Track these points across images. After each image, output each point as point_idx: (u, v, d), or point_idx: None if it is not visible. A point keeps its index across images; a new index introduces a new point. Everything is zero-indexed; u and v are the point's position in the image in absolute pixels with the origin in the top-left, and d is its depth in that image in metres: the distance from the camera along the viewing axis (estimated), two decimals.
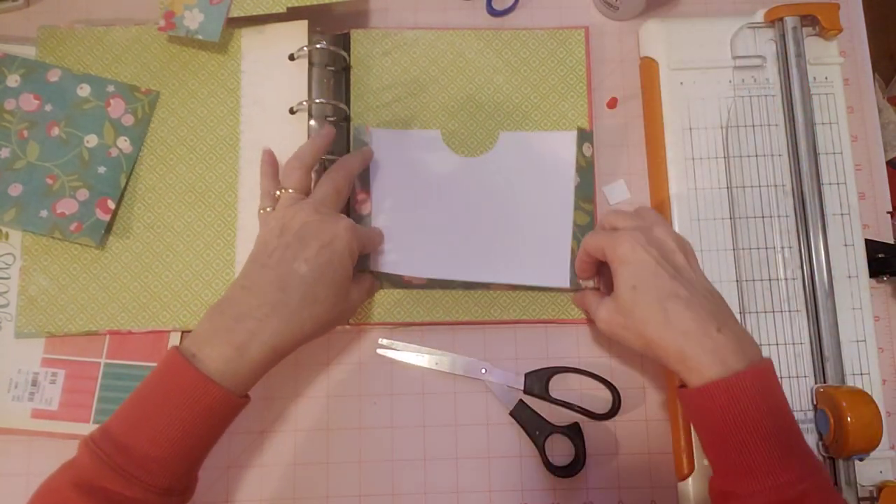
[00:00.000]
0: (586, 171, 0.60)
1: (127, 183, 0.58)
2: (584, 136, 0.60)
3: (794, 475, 0.43)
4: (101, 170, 0.57)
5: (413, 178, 0.60)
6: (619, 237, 0.49)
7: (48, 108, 0.58)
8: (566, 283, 0.57)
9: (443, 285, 0.58)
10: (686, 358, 0.46)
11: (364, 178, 0.59)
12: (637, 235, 0.49)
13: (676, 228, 0.57)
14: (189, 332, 0.57)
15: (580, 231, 0.58)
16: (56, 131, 0.58)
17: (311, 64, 0.59)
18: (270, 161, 0.56)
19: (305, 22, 0.59)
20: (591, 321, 0.58)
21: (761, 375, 0.45)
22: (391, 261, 0.57)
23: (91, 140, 0.58)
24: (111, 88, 0.59)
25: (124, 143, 0.58)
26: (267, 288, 0.47)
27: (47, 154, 0.57)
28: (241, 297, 0.48)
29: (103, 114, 0.58)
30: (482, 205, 0.59)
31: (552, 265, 0.57)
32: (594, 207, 0.60)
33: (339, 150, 0.59)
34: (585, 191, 0.59)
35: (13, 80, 0.58)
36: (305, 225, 0.49)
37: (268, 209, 0.53)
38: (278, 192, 0.53)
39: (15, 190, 0.56)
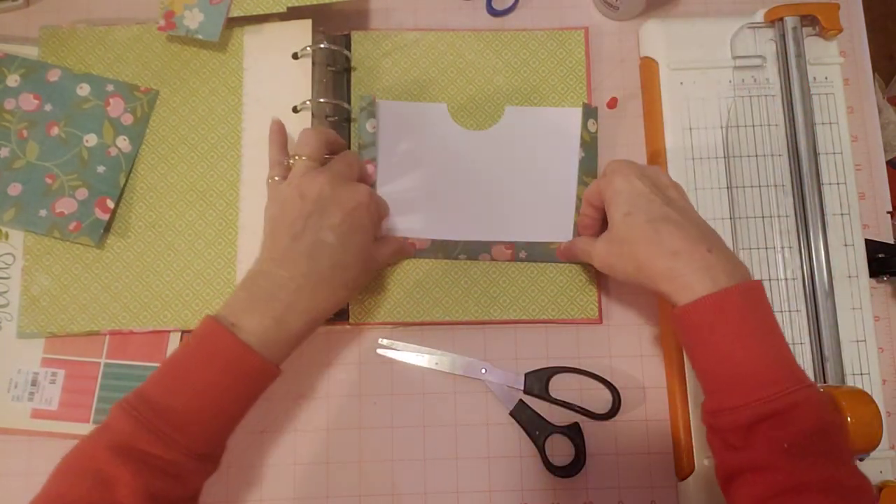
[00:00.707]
0: (590, 147, 0.60)
1: (126, 182, 0.58)
2: (589, 113, 0.60)
3: (782, 387, 0.43)
4: (101, 169, 0.57)
5: (418, 147, 0.60)
6: (612, 173, 0.50)
7: (48, 107, 0.58)
8: (569, 237, 0.58)
9: (445, 251, 0.58)
10: (676, 276, 0.46)
11: (369, 148, 0.59)
12: (631, 169, 0.50)
13: None
14: (189, 332, 0.57)
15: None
16: (55, 131, 0.58)
17: (313, 63, 0.59)
18: (280, 130, 0.56)
19: (309, 21, 0.59)
20: (590, 321, 0.58)
21: (750, 292, 0.45)
22: (394, 224, 0.58)
23: (90, 139, 0.58)
24: (110, 87, 0.59)
25: (123, 143, 0.58)
26: (298, 259, 0.48)
27: (47, 153, 0.57)
28: (274, 269, 0.48)
29: (102, 113, 0.58)
30: (486, 174, 0.60)
31: (555, 224, 0.59)
32: None
33: (342, 150, 0.59)
34: (589, 166, 0.60)
35: (13, 80, 0.58)
36: (325, 193, 0.49)
37: (276, 178, 0.52)
38: (291, 161, 0.52)
39: (14, 189, 0.56)
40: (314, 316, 0.48)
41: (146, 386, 0.45)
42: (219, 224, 0.57)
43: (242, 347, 0.45)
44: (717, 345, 0.45)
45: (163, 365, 0.46)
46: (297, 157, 0.51)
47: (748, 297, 0.45)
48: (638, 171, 0.50)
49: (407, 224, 0.59)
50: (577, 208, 0.59)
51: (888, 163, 0.63)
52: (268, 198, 0.52)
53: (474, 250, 0.58)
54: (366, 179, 0.58)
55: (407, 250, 0.58)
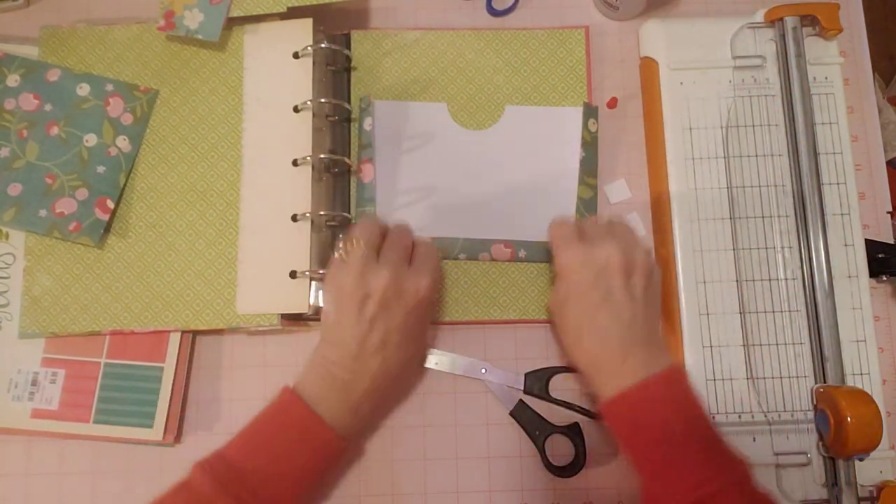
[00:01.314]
0: (591, 147, 0.60)
1: (126, 182, 0.58)
2: (590, 112, 0.60)
3: (709, 472, 0.44)
4: (101, 169, 0.57)
5: (419, 146, 0.60)
6: (565, 248, 0.52)
7: (48, 107, 0.58)
8: None
9: (444, 250, 0.58)
10: (590, 378, 0.50)
11: (367, 147, 0.59)
12: (579, 253, 0.51)
13: (676, 229, 0.57)
14: (190, 331, 0.57)
15: (583, 205, 0.59)
16: (55, 131, 0.58)
17: (313, 62, 0.59)
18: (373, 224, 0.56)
19: (310, 20, 0.59)
20: None
21: (664, 382, 0.48)
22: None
23: (90, 139, 0.58)
24: (110, 87, 0.59)
25: (123, 143, 0.58)
26: (369, 360, 0.49)
27: (47, 153, 0.57)
28: (348, 362, 0.49)
29: (102, 113, 0.58)
30: (486, 173, 0.60)
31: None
32: (597, 182, 0.60)
33: (342, 150, 0.59)
34: (589, 166, 0.60)
35: (13, 80, 0.58)
36: (388, 292, 0.49)
37: (340, 254, 0.52)
38: (352, 243, 0.52)
39: (14, 189, 0.56)
40: (385, 400, 0.53)
41: (226, 448, 0.48)
42: (219, 224, 0.57)
43: (318, 422, 0.48)
44: (637, 438, 0.47)
45: (243, 429, 0.49)
46: (354, 242, 0.51)
47: (660, 388, 0.47)
48: (585, 257, 0.50)
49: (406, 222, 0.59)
50: (578, 209, 0.59)
51: (888, 163, 0.63)
52: (330, 273, 0.52)
53: (474, 249, 0.58)
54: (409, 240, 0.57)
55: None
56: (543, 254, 0.58)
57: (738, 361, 0.56)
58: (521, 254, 0.58)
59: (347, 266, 0.50)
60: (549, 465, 0.55)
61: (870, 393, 0.53)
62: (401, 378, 0.53)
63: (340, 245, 0.52)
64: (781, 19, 0.59)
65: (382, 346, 0.50)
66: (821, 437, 0.54)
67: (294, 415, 0.48)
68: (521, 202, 0.59)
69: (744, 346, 0.56)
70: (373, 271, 0.50)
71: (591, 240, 0.51)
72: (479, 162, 0.60)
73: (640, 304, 0.50)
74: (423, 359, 0.57)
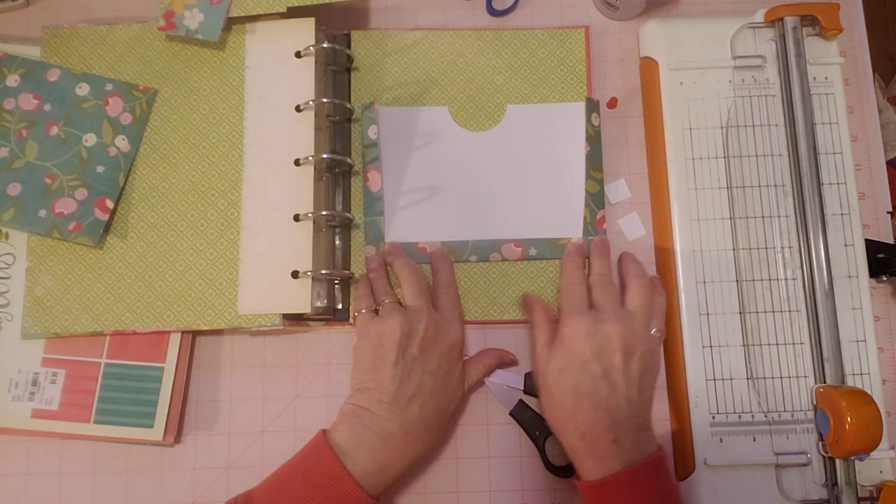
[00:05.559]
0: (595, 141, 0.60)
1: (125, 182, 0.58)
2: (592, 107, 0.60)
3: None
4: (100, 169, 0.57)
5: (423, 151, 0.60)
6: (572, 316, 0.52)
7: (47, 107, 0.58)
8: (579, 234, 0.58)
9: (455, 253, 0.58)
10: (577, 457, 0.50)
11: (373, 154, 0.59)
12: (584, 325, 0.51)
13: (676, 229, 0.57)
14: (191, 332, 0.57)
15: (591, 199, 0.59)
16: (55, 131, 0.57)
17: (315, 62, 0.58)
18: (382, 265, 0.57)
19: (313, 20, 0.59)
20: None
21: (651, 468, 0.48)
22: (405, 230, 0.59)
23: (90, 139, 0.58)
24: (109, 87, 0.59)
25: (122, 142, 0.58)
26: (407, 407, 0.50)
27: (46, 153, 0.57)
28: (383, 412, 0.49)
29: (102, 113, 0.58)
30: (493, 174, 0.60)
31: (564, 219, 0.59)
32: (603, 176, 0.61)
33: (343, 150, 0.59)
34: (595, 160, 0.60)
35: (13, 80, 0.58)
36: (429, 335, 0.51)
37: (364, 311, 0.54)
38: (386, 301, 0.54)
39: (14, 189, 0.56)
40: (413, 462, 0.50)
41: (256, 489, 0.49)
42: (221, 224, 0.57)
43: (345, 476, 0.47)
44: None
45: (277, 470, 0.50)
46: (385, 301, 0.53)
47: (654, 472, 0.48)
48: (589, 329, 0.51)
49: (416, 229, 0.59)
50: (586, 204, 0.59)
51: (888, 163, 0.63)
52: (362, 324, 0.53)
53: (484, 250, 0.58)
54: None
55: (505, 359, 0.57)
56: (553, 251, 0.58)
57: (738, 361, 0.56)
58: (532, 252, 0.58)
59: (384, 314, 0.52)
60: (549, 465, 0.55)
61: (870, 393, 0.53)
62: (433, 438, 0.52)
63: (355, 300, 0.55)
64: (781, 19, 0.60)
65: (419, 391, 0.50)
66: (821, 437, 0.54)
67: (322, 465, 0.48)
68: (528, 200, 0.59)
69: (744, 346, 0.56)
70: (411, 315, 0.51)
71: (600, 313, 0.52)
72: (485, 163, 0.60)
73: (635, 387, 0.50)
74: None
